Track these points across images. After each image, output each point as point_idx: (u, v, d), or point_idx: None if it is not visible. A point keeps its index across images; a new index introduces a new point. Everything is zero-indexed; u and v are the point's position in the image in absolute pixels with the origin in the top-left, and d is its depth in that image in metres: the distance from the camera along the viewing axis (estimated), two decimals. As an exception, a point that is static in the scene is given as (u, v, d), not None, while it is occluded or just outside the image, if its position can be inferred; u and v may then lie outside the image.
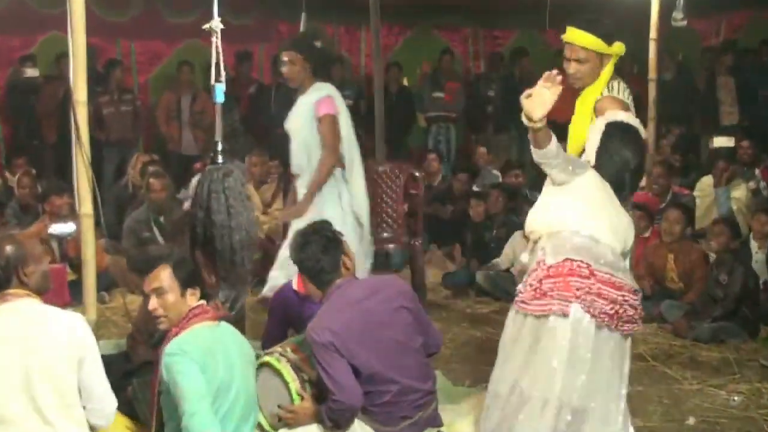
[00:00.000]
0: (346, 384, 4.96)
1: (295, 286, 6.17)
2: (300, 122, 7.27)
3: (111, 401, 4.48)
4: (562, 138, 5.17)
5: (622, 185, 4.97)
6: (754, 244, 8.37)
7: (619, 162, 4.90)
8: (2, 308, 4.36)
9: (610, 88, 5.27)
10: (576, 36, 5.23)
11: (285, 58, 7.27)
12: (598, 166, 4.87)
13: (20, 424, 4.24)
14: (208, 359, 4.51)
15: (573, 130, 5.37)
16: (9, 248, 4.41)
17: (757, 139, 11.25)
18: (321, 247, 5.20)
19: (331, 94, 7.30)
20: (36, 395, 4.25)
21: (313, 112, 7.15)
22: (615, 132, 4.93)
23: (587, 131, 5.17)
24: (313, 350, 5.00)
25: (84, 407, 4.37)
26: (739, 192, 9.74)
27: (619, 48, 5.31)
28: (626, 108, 5.26)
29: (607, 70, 5.29)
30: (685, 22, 8.61)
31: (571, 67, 5.28)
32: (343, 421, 5.06)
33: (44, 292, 4.57)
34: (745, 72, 13.28)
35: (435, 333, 5.50)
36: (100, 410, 4.43)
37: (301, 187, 7.21)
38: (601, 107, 5.19)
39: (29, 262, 4.43)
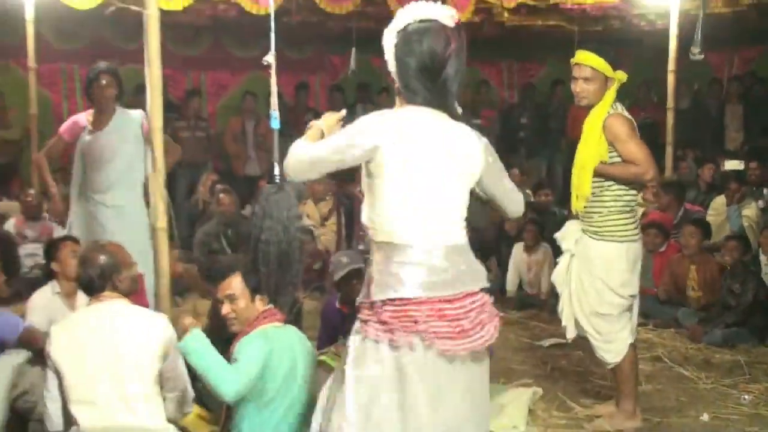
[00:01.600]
0: None
1: (338, 305, 6.22)
2: None
3: (191, 392, 4.54)
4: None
5: None
6: (763, 258, 8.32)
7: None
8: (97, 307, 4.48)
9: (614, 108, 5.31)
10: (584, 57, 5.35)
11: None
12: None
13: (105, 406, 4.31)
14: (273, 356, 4.53)
15: (581, 146, 5.42)
16: (103, 258, 4.55)
17: (764, 161, 11.24)
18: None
19: None
20: (122, 383, 4.32)
21: None
22: None
23: (595, 146, 5.28)
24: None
25: (165, 398, 4.43)
26: (750, 210, 9.69)
27: (621, 75, 5.35)
28: (632, 124, 5.32)
29: (610, 93, 5.33)
30: (702, 56, 8.54)
31: (578, 86, 5.40)
32: None
33: (133, 294, 4.72)
34: (753, 101, 13.18)
35: None
36: (182, 399, 4.50)
37: None
38: (609, 124, 5.24)
39: (122, 270, 4.57)
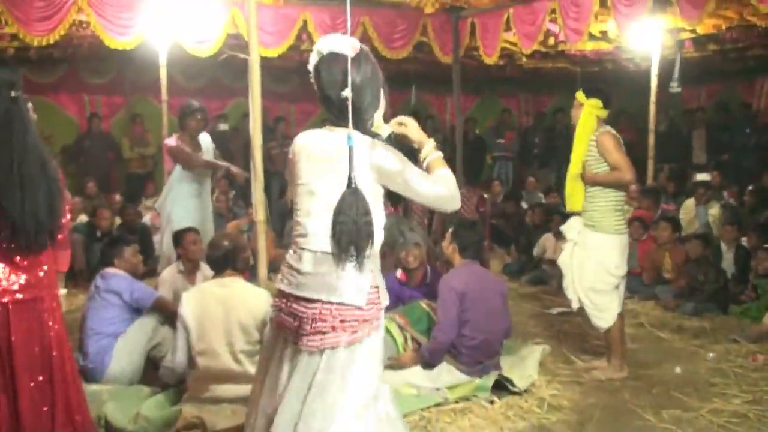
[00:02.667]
0: (447, 323, 5.10)
1: (398, 275, 6.24)
2: None
3: None
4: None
5: None
6: (724, 247, 8.19)
7: None
8: (220, 281, 4.55)
9: (604, 127, 5.40)
10: (577, 94, 5.53)
11: None
12: None
13: (218, 356, 4.37)
14: None
15: (572, 161, 5.50)
16: (227, 244, 4.66)
17: (725, 172, 11.17)
18: (480, 233, 5.56)
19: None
20: (232, 340, 4.37)
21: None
22: None
23: (581, 160, 5.40)
24: (442, 290, 5.16)
25: None
26: (714, 210, 9.58)
27: (591, 102, 5.41)
28: (618, 140, 5.37)
29: (584, 113, 5.42)
30: (680, 89, 8.43)
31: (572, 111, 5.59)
32: (435, 357, 5.17)
33: (246, 271, 4.90)
34: (714, 126, 13.03)
35: (510, 321, 5.56)
36: None
37: None
38: (600, 140, 5.32)
39: (239, 253, 4.66)
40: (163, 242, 7.07)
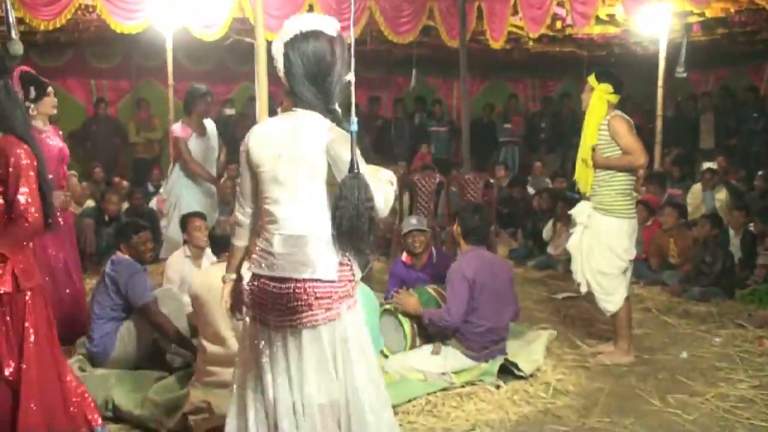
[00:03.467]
0: (456, 307, 5.10)
1: (403, 259, 6.26)
2: None
3: None
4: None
5: None
6: (731, 232, 8.17)
7: None
8: (223, 265, 4.55)
9: (615, 112, 5.38)
10: (590, 78, 5.51)
11: None
12: None
13: (226, 342, 4.37)
14: None
15: (582, 145, 5.49)
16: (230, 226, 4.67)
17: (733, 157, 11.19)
18: (485, 217, 5.49)
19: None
20: (239, 326, 4.37)
21: None
22: None
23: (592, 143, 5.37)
24: (452, 277, 5.16)
25: None
26: (721, 194, 9.55)
27: (602, 87, 5.39)
28: (630, 123, 5.37)
29: (595, 98, 5.40)
30: (685, 75, 8.38)
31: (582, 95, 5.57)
32: (433, 327, 5.20)
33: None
34: (722, 111, 12.96)
35: (517, 304, 5.55)
36: None
37: None
38: (612, 124, 5.30)
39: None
40: (170, 227, 7.06)
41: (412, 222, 6.30)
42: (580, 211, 5.63)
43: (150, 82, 12.74)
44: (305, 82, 3.06)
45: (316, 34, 3.04)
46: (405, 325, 5.28)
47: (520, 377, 5.12)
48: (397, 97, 14.53)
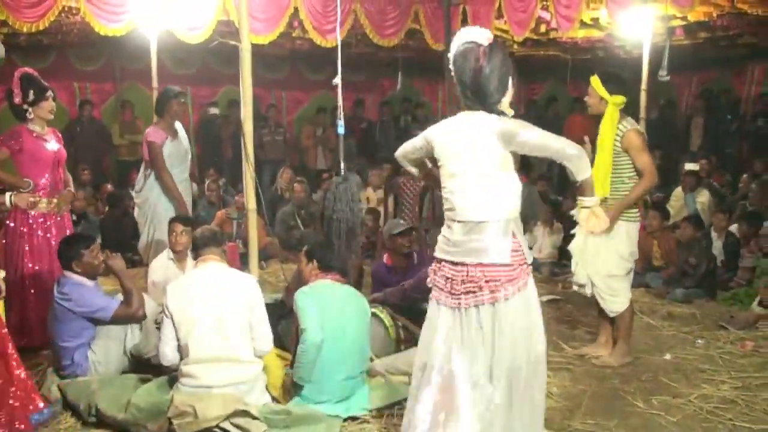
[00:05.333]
0: (414, 289, 5.38)
1: (385, 261, 6.28)
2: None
3: (270, 334, 4.57)
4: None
5: None
6: (714, 235, 8.23)
7: None
8: (203, 268, 4.54)
9: (630, 123, 5.37)
10: (592, 80, 5.45)
11: None
12: None
13: (208, 343, 4.38)
14: (323, 304, 4.55)
15: (598, 157, 5.38)
16: (217, 230, 4.77)
17: (716, 157, 11.27)
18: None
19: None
20: (222, 326, 4.38)
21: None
22: None
23: (609, 156, 5.31)
24: (421, 275, 5.11)
25: (253, 338, 4.48)
26: (702, 197, 9.63)
27: (614, 99, 5.35)
28: (644, 138, 5.41)
29: (609, 111, 5.27)
30: (668, 78, 8.40)
31: (588, 99, 5.53)
32: (389, 302, 5.46)
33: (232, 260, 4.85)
34: (711, 113, 13.06)
35: None
36: (264, 340, 4.54)
37: None
38: (628, 137, 5.29)
39: (226, 240, 4.68)
40: (147, 232, 6.77)
41: (401, 223, 6.32)
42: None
43: (134, 84, 12.68)
44: (461, 86, 3.61)
45: (467, 45, 3.59)
46: (390, 329, 5.29)
47: (505, 379, 5.13)
48: (382, 100, 14.54)
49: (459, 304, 3.53)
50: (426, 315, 3.73)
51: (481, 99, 3.57)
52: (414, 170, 4.05)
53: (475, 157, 3.51)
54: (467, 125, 3.57)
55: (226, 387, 4.34)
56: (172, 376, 4.65)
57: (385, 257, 6.30)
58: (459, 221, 3.54)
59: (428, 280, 3.69)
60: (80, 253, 5.05)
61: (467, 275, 3.50)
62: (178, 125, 6.83)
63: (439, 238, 3.66)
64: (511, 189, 3.56)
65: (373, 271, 6.57)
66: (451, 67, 3.66)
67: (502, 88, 3.60)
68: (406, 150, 3.92)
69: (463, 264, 3.52)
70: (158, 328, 4.90)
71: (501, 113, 3.60)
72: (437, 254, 3.65)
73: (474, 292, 3.49)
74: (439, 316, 3.62)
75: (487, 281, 3.47)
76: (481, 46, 3.54)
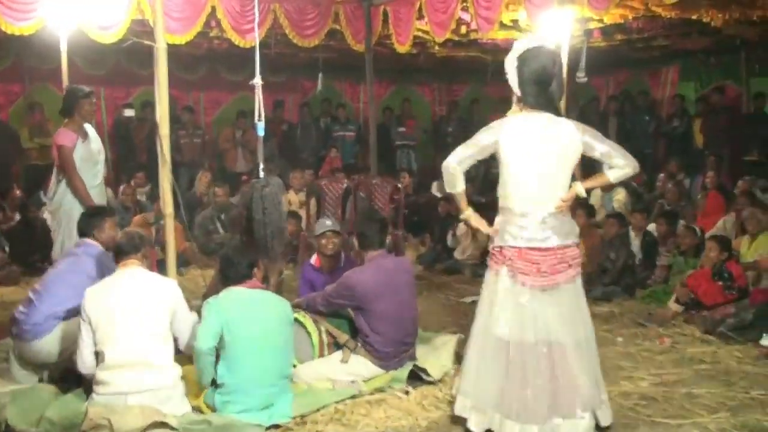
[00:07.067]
0: (328, 302, 5.29)
1: (312, 261, 6.25)
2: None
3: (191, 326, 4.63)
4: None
5: None
6: (632, 234, 8.43)
7: None
8: (123, 272, 4.45)
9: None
10: None
11: None
12: None
13: (125, 348, 4.33)
14: (233, 313, 4.50)
15: None
16: (142, 233, 4.69)
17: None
18: (379, 222, 5.62)
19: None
20: (140, 331, 4.31)
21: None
22: None
23: None
24: (341, 284, 5.22)
25: (175, 339, 4.52)
26: (619, 196, 9.88)
27: None
28: None
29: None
30: (585, 79, 8.59)
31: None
32: (312, 307, 5.40)
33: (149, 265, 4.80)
34: (625, 114, 13.40)
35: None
36: (184, 331, 4.58)
37: None
38: None
39: (148, 245, 4.60)
40: (60, 240, 6.48)
41: (327, 224, 6.29)
42: None
43: (44, 85, 12.31)
44: (533, 87, 4.06)
45: (540, 49, 4.06)
46: (313, 334, 5.27)
47: (429, 383, 5.17)
48: (302, 102, 14.47)
49: (541, 282, 4.14)
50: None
51: (550, 101, 4.06)
52: (460, 188, 4.31)
53: (555, 156, 4.08)
54: (547, 127, 4.06)
55: (142, 394, 4.27)
56: (88, 389, 4.54)
57: (313, 258, 6.29)
58: (542, 213, 4.09)
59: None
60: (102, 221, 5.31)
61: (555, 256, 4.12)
62: (88, 127, 6.63)
63: (511, 229, 4.12)
64: None
65: (301, 272, 6.56)
66: (512, 70, 4.09)
67: (561, 92, 4.18)
68: (465, 154, 4.23)
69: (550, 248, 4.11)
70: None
71: (560, 115, 4.13)
72: (514, 244, 4.12)
73: (561, 271, 4.14)
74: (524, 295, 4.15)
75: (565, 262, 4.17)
76: (552, 51, 4.05)
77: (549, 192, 4.11)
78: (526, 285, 4.11)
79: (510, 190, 4.15)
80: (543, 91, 4.07)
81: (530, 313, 4.12)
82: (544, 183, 4.10)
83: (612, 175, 4.26)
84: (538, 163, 4.06)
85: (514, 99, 4.22)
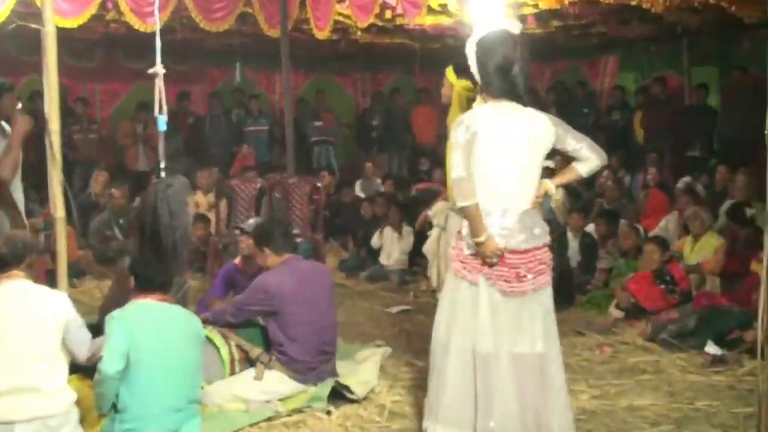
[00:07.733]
0: (240, 311, 5.31)
1: (236, 262, 6.28)
2: None
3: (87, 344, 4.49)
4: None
5: None
6: (570, 236, 8.59)
7: None
8: (6, 285, 4.32)
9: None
10: (447, 71, 5.81)
11: None
12: None
13: (9, 370, 4.19)
14: (136, 329, 4.42)
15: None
16: (24, 238, 4.41)
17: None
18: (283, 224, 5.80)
19: None
20: (26, 351, 4.19)
21: None
22: None
23: None
24: (253, 288, 5.25)
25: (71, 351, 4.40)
26: (557, 195, 9.98)
27: (460, 83, 5.65)
28: None
29: (455, 97, 5.58)
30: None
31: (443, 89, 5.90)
32: (220, 320, 5.38)
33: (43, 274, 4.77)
34: (561, 106, 13.63)
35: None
36: (81, 349, 4.45)
37: None
38: None
39: (34, 253, 4.45)
40: None
41: (251, 223, 6.35)
42: (437, 212, 5.75)
43: None
44: (496, 75, 4.07)
45: (500, 34, 4.08)
46: (222, 349, 5.21)
47: (353, 401, 5.18)
48: (211, 92, 14.28)
49: (520, 288, 4.20)
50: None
51: (515, 90, 4.09)
52: (473, 200, 4.06)
53: (527, 149, 4.10)
54: (519, 116, 4.10)
55: (30, 423, 4.15)
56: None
57: (237, 259, 6.32)
58: (516, 211, 4.10)
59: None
60: None
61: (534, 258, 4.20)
62: (4, 124, 6.44)
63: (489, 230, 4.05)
64: None
65: (222, 270, 6.54)
66: (472, 56, 4.13)
67: (526, 79, 4.23)
68: (460, 159, 4.04)
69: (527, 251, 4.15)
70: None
71: (526, 105, 4.16)
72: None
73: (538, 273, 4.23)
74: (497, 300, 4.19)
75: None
76: (514, 36, 4.08)
77: (526, 188, 4.15)
78: (507, 293, 4.14)
79: (488, 188, 4.06)
80: (505, 78, 4.09)
81: (513, 323, 4.17)
82: (522, 177, 4.12)
83: (583, 168, 4.35)
84: (517, 155, 4.08)
85: (479, 89, 4.29)
